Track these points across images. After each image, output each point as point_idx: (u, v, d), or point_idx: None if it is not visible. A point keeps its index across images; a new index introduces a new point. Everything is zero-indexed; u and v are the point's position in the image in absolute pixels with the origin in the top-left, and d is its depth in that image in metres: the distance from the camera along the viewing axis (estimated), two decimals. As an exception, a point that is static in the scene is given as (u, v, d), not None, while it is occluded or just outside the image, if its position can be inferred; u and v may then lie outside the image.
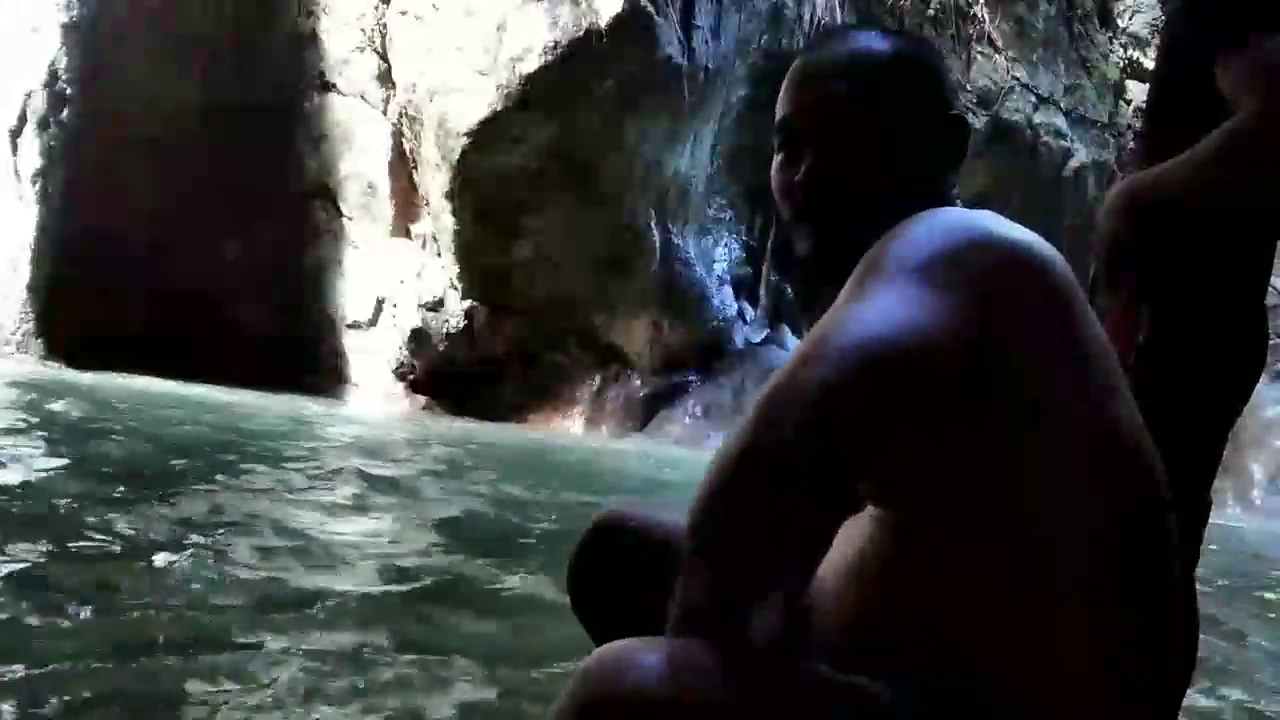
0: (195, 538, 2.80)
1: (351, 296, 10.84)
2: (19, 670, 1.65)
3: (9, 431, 4.51)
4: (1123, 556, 0.80)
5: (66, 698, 1.57)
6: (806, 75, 1.01)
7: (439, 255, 10.57)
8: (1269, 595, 5.01)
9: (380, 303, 10.78)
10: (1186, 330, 1.33)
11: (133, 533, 2.76)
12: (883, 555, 0.85)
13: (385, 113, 10.79)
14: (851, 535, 0.91)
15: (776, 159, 1.02)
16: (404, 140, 10.63)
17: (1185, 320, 1.33)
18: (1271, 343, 1.56)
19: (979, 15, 14.36)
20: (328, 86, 10.90)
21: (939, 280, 0.78)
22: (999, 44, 14.45)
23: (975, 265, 0.80)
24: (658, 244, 10.68)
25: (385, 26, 10.54)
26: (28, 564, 2.30)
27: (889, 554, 0.84)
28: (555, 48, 9.39)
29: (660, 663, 0.74)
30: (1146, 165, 1.35)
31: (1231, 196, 1.25)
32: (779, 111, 1.02)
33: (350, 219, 10.94)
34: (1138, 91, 15.45)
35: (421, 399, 10.45)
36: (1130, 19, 16.01)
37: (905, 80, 0.99)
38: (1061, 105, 14.93)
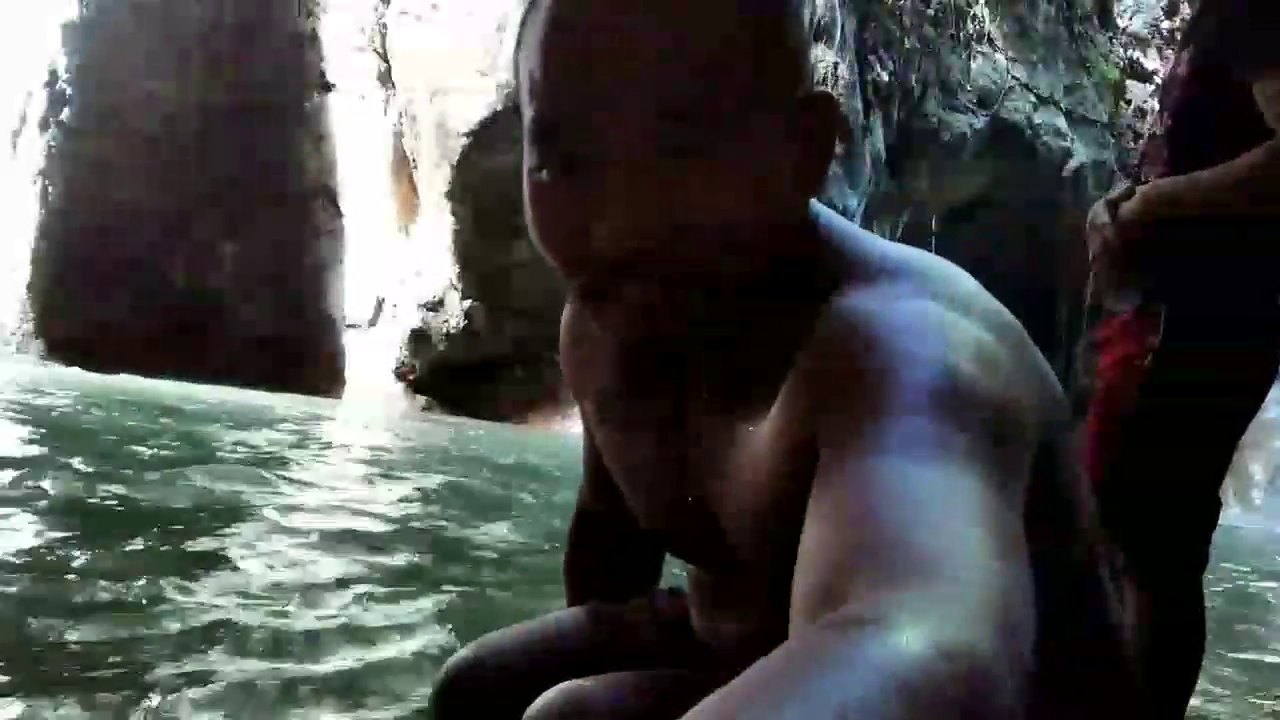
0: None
1: (351, 296, 10.85)
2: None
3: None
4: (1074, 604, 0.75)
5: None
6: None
7: (439, 255, 10.57)
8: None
9: (380, 303, 10.79)
10: (1201, 331, 1.33)
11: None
12: None
13: (385, 113, 10.79)
14: None
15: (541, 173, 0.55)
16: (404, 140, 10.63)
17: (1200, 321, 1.33)
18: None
19: (979, 15, 14.36)
20: (328, 86, 10.91)
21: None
22: (999, 44, 14.46)
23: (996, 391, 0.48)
24: (658, 244, 10.67)
25: (385, 26, 10.55)
26: None
27: None
28: (555, 48, 9.39)
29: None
30: (1166, 174, 1.36)
31: (1273, 211, 1.26)
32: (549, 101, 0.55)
33: (350, 219, 10.95)
34: (1138, 91, 15.47)
35: (421, 399, 10.45)
36: (1130, 19, 16.02)
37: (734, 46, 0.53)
38: (1061, 105, 14.94)
